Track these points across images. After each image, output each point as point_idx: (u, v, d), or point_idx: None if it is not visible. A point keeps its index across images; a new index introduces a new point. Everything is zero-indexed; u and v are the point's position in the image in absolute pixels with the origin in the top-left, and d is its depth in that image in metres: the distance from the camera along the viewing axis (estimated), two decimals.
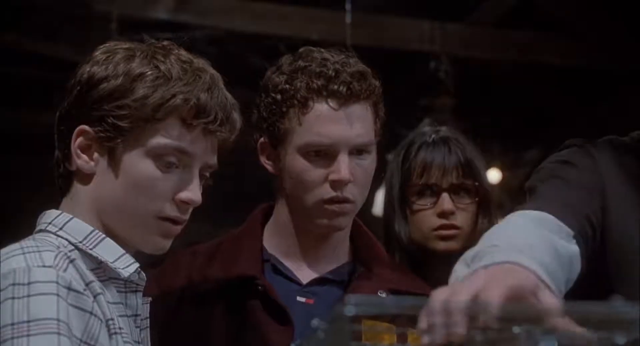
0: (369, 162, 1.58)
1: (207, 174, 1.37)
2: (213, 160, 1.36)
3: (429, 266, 1.83)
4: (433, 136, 1.87)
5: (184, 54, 1.36)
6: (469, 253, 1.16)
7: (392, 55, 4.36)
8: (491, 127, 5.01)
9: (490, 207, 1.86)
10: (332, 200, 1.55)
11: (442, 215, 1.81)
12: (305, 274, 1.62)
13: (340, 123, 1.53)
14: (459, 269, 1.13)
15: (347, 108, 1.54)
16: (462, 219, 1.82)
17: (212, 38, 3.69)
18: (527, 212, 1.26)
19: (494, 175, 4.70)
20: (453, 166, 1.82)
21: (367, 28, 4.17)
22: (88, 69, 1.33)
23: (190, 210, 1.35)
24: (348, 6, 3.91)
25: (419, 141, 1.88)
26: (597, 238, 1.30)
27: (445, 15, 4.41)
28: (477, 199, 1.84)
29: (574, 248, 1.19)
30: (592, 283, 1.23)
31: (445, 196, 1.81)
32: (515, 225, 1.22)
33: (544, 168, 1.38)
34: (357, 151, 1.56)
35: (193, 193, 1.32)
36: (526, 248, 1.09)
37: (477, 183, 1.83)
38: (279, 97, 1.56)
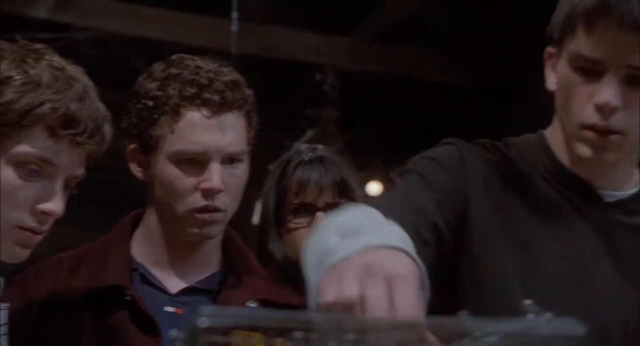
0: (241, 170, 1.58)
1: (72, 184, 1.34)
2: (79, 171, 1.33)
3: (303, 284, 1.84)
4: (310, 155, 1.89)
5: (57, 59, 1.32)
6: (337, 224, 1.09)
7: (280, 66, 4.39)
8: (375, 139, 5.09)
9: None
10: (203, 209, 1.54)
11: None
12: (174, 283, 1.60)
13: (213, 131, 1.53)
14: (332, 240, 1.06)
15: (219, 116, 1.53)
16: None
17: (94, 40, 3.61)
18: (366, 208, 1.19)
19: (375, 188, 4.77)
20: (329, 185, 1.85)
21: (254, 37, 4.18)
22: None
23: (52, 221, 1.31)
24: (234, 14, 3.90)
25: (296, 159, 1.89)
26: (445, 243, 1.27)
27: (332, 28, 4.46)
28: None
29: None
30: (442, 293, 1.25)
31: (320, 215, 1.83)
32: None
33: (412, 162, 1.37)
34: (230, 160, 1.56)
35: (55, 204, 1.29)
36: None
37: (351, 202, 1.86)
38: (150, 103, 1.54)
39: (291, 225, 1.85)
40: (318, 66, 4.44)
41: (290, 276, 1.85)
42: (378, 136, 5.08)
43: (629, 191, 1.37)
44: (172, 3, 4.02)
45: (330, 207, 1.84)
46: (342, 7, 4.42)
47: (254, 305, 1.59)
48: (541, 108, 1.41)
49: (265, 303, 1.59)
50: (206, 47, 3.81)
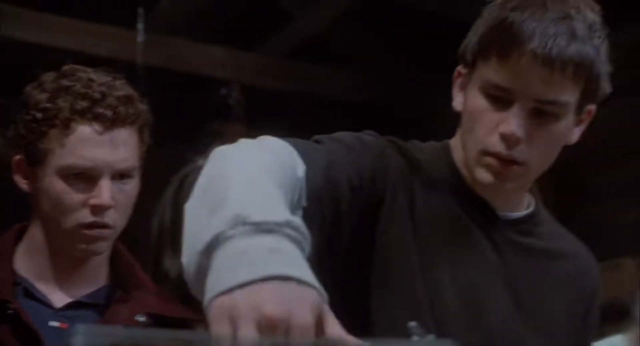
0: (131, 186, 1.57)
1: None
2: None
3: (196, 302, 1.83)
4: None
5: None
6: (205, 199, 1.00)
7: (185, 78, 4.36)
8: None
9: None
10: (91, 225, 1.53)
11: None
12: (59, 298, 1.57)
13: (104, 147, 1.51)
14: (201, 215, 0.97)
15: (111, 132, 1.52)
16: None
17: None
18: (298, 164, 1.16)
19: None
20: None
21: (160, 49, 4.14)
22: None
23: None
24: (140, 25, 3.87)
25: (193, 176, 1.88)
26: (344, 219, 1.24)
27: (239, 43, 4.46)
28: None
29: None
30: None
31: None
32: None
33: (342, 135, 1.33)
34: (120, 176, 1.55)
35: None
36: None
37: None
38: (39, 115, 1.52)
39: None
40: (224, 80, 4.43)
41: (185, 294, 1.83)
42: None
43: (521, 212, 1.41)
44: (77, 11, 3.95)
45: None
46: (249, 22, 4.43)
47: (142, 319, 1.58)
48: (450, 128, 1.42)
49: (154, 318, 1.58)
50: (111, 57, 3.76)
